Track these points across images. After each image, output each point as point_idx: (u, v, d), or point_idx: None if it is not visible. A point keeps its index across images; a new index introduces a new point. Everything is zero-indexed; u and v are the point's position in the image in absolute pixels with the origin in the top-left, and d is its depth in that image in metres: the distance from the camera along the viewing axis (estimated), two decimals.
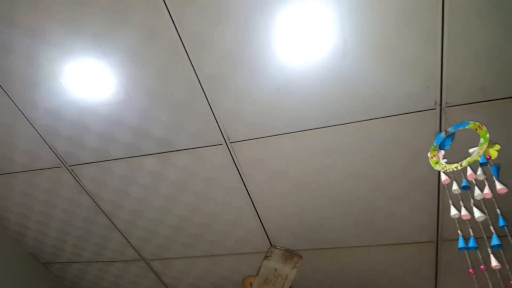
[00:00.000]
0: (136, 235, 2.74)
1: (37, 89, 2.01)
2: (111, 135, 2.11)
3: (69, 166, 2.35)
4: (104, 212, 2.59)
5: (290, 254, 1.99)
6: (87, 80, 1.90)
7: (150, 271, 3.03)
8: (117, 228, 2.70)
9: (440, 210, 2.13)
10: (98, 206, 2.55)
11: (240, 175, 2.19)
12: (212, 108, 1.91)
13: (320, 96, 1.79)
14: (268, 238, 2.52)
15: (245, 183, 2.23)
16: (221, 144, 2.05)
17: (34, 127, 2.19)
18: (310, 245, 2.51)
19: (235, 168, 2.16)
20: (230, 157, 2.10)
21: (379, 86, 1.72)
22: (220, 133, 2.00)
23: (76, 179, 2.41)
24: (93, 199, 2.51)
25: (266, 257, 2.02)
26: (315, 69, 1.71)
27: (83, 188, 2.45)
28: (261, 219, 2.42)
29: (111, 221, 2.64)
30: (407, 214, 2.18)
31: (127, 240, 2.78)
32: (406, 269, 2.52)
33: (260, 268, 2.11)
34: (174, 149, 2.12)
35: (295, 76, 1.74)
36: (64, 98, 2.01)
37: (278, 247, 1.98)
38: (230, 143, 2.04)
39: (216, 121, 1.96)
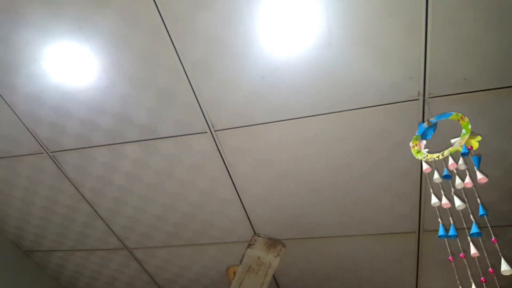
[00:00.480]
0: (119, 224, 2.71)
1: (17, 73, 1.96)
2: (94, 122, 2.08)
3: (50, 152, 2.30)
4: (86, 200, 2.55)
5: (273, 243, 2.00)
6: (68, 64, 1.86)
7: (133, 259, 3.02)
8: (99, 216, 2.67)
9: (422, 201, 2.15)
10: (81, 194, 2.52)
11: (225, 164, 2.18)
12: (197, 96, 1.89)
13: (304, 85, 1.78)
14: (252, 228, 2.53)
15: (230, 171, 2.22)
16: (206, 132, 2.03)
17: (14, 112, 2.13)
18: (294, 235, 2.52)
19: (220, 156, 2.14)
20: (215, 145, 2.09)
21: (363, 76, 1.72)
22: (205, 121, 1.98)
23: (58, 166, 2.37)
24: (75, 187, 2.48)
25: (249, 246, 2.02)
26: (300, 57, 1.70)
27: (65, 175, 2.41)
28: (246, 208, 2.42)
29: (93, 209, 2.61)
30: (389, 204, 2.20)
31: (110, 228, 2.76)
32: (388, 259, 2.56)
33: (243, 256, 2.12)
34: (157, 137, 2.09)
35: (280, 65, 1.73)
36: (45, 83, 1.97)
37: (262, 236, 1.98)
38: (215, 131, 2.02)
39: (201, 108, 1.93)
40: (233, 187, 2.31)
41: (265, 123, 1.96)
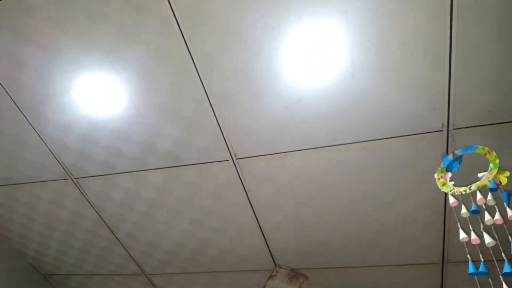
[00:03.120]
0: (138, 249, 2.72)
1: (48, 102, 2.03)
2: (119, 149, 2.12)
3: (75, 178, 2.35)
4: (107, 225, 2.58)
5: (295, 274, 1.97)
6: (97, 95, 1.92)
7: (151, 285, 3.00)
8: (119, 241, 2.69)
9: (446, 232, 2.11)
10: (102, 219, 2.54)
11: (246, 191, 2.19)
12: (220, 125, 1.92)
13: (327, 115, 1.80)
14: (272, 256, 2.50)
15: (250, 199, 2.22)
16: (228, 160, 2.06)
17: (42, 140, 2.20)
18: (313, 264, 2.49)
19: (241, 184, 2.15)
20: (236, 173, 2.10)
21: (387, 107, 1.73)
22: (227, 149, 2.01)
23: (81, 191, 2.41)
24: (97, 212, 2.51)
25: (271, 277, 2.00)
26: (323, 88, 1.72)
27: (87, 200, 2.45)
28: (265, 235, 2.41)
29: (113, 234, 2.63)
30: (412, 234, 2.17)
31: (129, 253, 2.77)
32: None
33: (264, 287, 2.09)
34: (180, 164, 2.12)
35: (303, 95, 1.76)
36: (74, 112, 2.03)
37: (284, 267, 1.96)
38: (237, 159, 2.04)
39: (224, 137, 1.96)
40: (253, 214, 2.31)
41: (287, 152, 1.97)
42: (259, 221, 2.34)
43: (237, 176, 2.12)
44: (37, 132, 2.16)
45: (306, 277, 1.98)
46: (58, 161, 2.28)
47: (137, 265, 2.85)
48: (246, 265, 2.63)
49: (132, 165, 2.18)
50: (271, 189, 2.15)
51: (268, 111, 1.84)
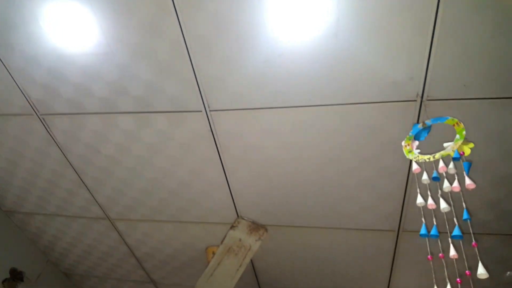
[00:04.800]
0: (104, 194, 2.70)
1: (15, 31, 1.90)
2: (88, 88, 2.04)
3: (41, 114, 2.26)
4: (73, 167, 2.53)
5: (256, 226, 2.02)
6: (68, 26, 1.81)
7: (114, 230, 3.01)
8: (84, 184, 2.65)
9: (406, 201, 2.19)
10: (67, 160, 2.49)
11: (216, 145, 2.18)
12: (196, 73, 1.86)
13: (306, 74, 1.78)
14: (236, 211, 2.54)
15: (220, 153, 2.22)
16: (201, 111, 2.02)
17: (8, 71, 2.08)
18: (276, 221, 2.54)
19: (212, 137, 2.13)
20: (208, 125, 2.08)
21: (365, 71, 1.72)
22: (201, 100, 1.97)
23: (47, 129, 2.33)
24: (62, 152, 2.44)
25: (232, 227, 2.04)
26: (304, 45, 1.69)
27: (53, 139, 2.38)
28: (232, 191, 2.43)
29: (79, 176, 2.59)
30: (373, 201, 2.24)
31: (93, 197, 2.74)
32: (364, 255, 2.61)
33: (225, 236, 2.13)
34: (151, 110, 2.07)
35: (284, 51, 1.72)
36: (42, 44, 1.92)
37: (245, 219, 2.00)
38: (210, 111, 2.01)
39: (198, 86, 1.91)
40: (222, 169, 2.31)
41: (262, 108, 1.95)
42: (227, 176, 2.35)
43: (209, 128, 2.10)
44: (2, 62, 2.04)
45: (266, 230, 2.03)
46: (24, 95, 2.18)
47: (102, 209, 2.84)
48: (211, 217, 2.67)
49: (102, 107, 2.11)
50: (242, 145, 2.15)
51: (246, 64, 1.80)
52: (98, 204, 2.80)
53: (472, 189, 1.27)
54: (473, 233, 2.21)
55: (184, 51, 1.80)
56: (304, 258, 2.82)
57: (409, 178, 2.07)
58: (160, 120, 2.10)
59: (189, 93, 1.95)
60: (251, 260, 2.95)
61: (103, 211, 2.86)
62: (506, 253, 2.34)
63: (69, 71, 1.98)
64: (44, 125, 2.31)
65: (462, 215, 1.25)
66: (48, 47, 1.92)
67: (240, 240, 2.16)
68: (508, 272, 2.47)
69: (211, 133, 2.11)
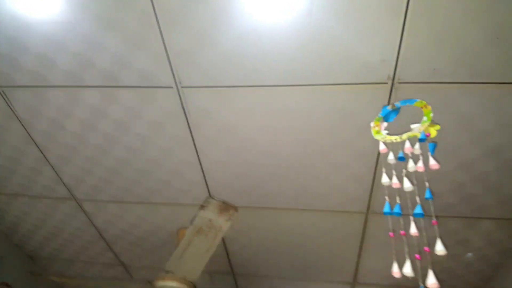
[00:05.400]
0: (69, 173, 2.61)
1: None
2: (51, 59, 1.94)
3: (0, 87, 2.14)
4: (35, 143, 2.42)
5: (226, 206, 2.00)
6: None
7: (81, 211, 2.93)
8: (49, 162, 2.55)
9: (375, 184, 2.22)
10: (30, 136, 2.38)
11: (188, 124, 2.13)
12: (166, 47, 1.80)
13: (280, 52, 1.74)
14: (209, 192, 2.51)
15: (192, 132, 2.17)
16: (171, 87, 1.96)
17: None
18: (248, 203, 2.54)
19: (184, 115, 2.08)
20: (180, 102, 2.02)
21: (339, 52, 1.70)
22: (172, 75, 1.91)
23: (7, 102, 2.21)
24: (24, 127, 2.33)
25: (202, 207, 2.01)
26: (279, 22, 1.65)
27: (14, 113, 2.26)
28: (204, 171, 2.40)
29: (43, 153, 2.48)
30: (344, 183, 2.26)
31: (58, 176, 2.64)
32: (334, 236, 2.65)
33: (194, 217, 2.11)
34: (119, 85, 1.99)
35: (259, 27, 1.68)
36: (0, 9, 1.80)
37: (215, 199, 1.97)
38: (181, 87, 1.95)
39: (169, 61, 1.85)
40: (194, 149, 2.27)
41: (235, 87, 1.91)
42: (200, 157, 2.31)
43: (181, 106, 2.04)
44: None
45: (236, 209, 2.02)
46: None
47: (67, 189, 2.74)
48: (182, 198, 2.63)
49: (66, 79, 2.01)
50: (214, 124, 2.11)
51: (220, 40, 1.75)
52: (64, 183, 2.70)
53: (436, 174, 1.29)
54: (438, 216, 2.28)
55: (154, 23, 1.73)
56: (276, 239, 2.83)
57: (379, 160, 2.09)
58: (128, 96, 2.03)
59: (159, 68, 1.89)
60: (223, 242, 2.94)
61: (69, 191, 2.77)
62: (468, 236, 2.43)
63: (30, 40, 1.87)
64: (4, 98, 2.19)
65: (424, 194, 1.27)
66: (7, 14, 1.80)
67: (210, 220, 2.14)
68: (469, 254, 2.57)
69: (182, 111, 2.06)
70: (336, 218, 2.51)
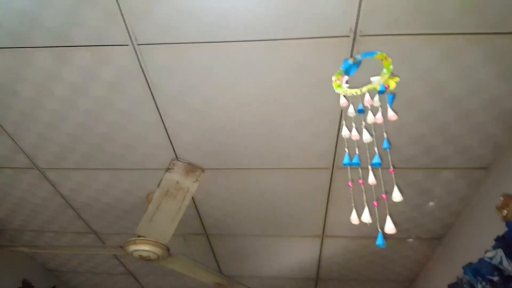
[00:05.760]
0: (28, 141, 2.50)
1: None
2: None
3: None
4: None
5: (192, 168, 1.98)
6: None
7: (45, 180, 2.85)
8: (5, 130, 2.43)
9: (339, 140, 2.25)
10: None
11: (148, 84, 2.05)
12: (119, 1, 1.69)
13: (239, 6, 1.67)
14: (176, 155, 2.48)
15: (153, 93, 2.10)
16: (127, 45, 1.87)
17: None
18: (216, 164, 2.53)
19: (142, 75, 2.00)
20: (137, 61, 1.93)
21: (299, 5, 1.65)
22: (127, 32, 1.81)
23: None
24: None
25: (168, 169, 1.98)
26: None
27: None
28: (169, 134, 2.35)
29: None
30: (309, 140, 2.28)
31: (17, 145, 2.53)
32: (302, 193, 2.71)
33: (161, 180, 2.08)
34: (71, 44, 1.88)
35: None
36: None
37: (181, 160, 1.95)
38: (138, 45, 1.86)
39: (123, 17, 1.74)
40: (157, 111, 2.20)
41: (194, 43, 1.84)
42: (163, 118, 2.25)
43: (139, 65, 1.96)
44: None
45: (203, 170, 2.01)
46: None
47: (28, 158, 2.64)
48: (149, 163, 2.59)
49: (12, 40, 1.87)
50: (176, 84, 2.04)
51: None
52: (24, 152, 2.60)
53: (397, 128, 1.31)
54: (400, 168, 2.36)
55: None
56: (246, 199, 2.87)
57: (342, 116, 2.10)
58: (82, 56, 1.92)
59: (113, 25, 1.78)
60: (194, 203, 2.95)
61: (30, 160, 2.67)
62: (429, 186, 2.54)
63: None
64: None
65: (382, 145, 1.29)
66: None
67: (177, 182, 2.12)
68: (430, 203, 2.70)
69: (141, 70, 1.98)
70: (303, 175, 2.55)
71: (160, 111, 2.20)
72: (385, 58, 1.57)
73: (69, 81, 2.06)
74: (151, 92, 2.09)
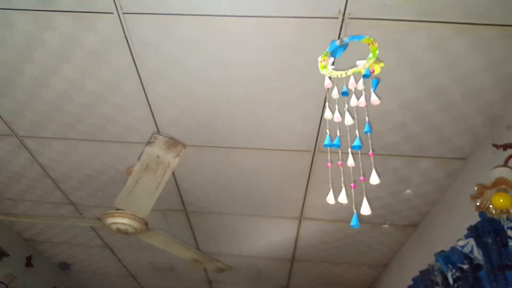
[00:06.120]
0: (7, 107, 2.44)
1: None
2: None
3: None
4: None
5: (173, 142, 1.96)
6: None
7: (24, 148, 2.79)
8: None
9: (322, 123, 2.26)
10: None
11: (132, 54, 2.01)
12: None
13: None
14: (158, 129, 2.45)
15: (137, 64, 2.06)
16: (112, 13, 1.81)
17: None
18: (199, 141, 2.52)
19: (127, 44, 1.95)
20: (122, 30, 1.88)
21: None
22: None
23: None
24: None
25: (149, 143, 1.96)
26: None
27: None
28: (152, 107, 2.32)
29: None
30: (293, 122, 2.28)
31: None
32: (283, 174, 2.72)
33: (141, 153, 2.06)
34: (54, 9, 1.81)
35: None
36: None
37: (162, 134, 1.93)
38: (123, 13, 1.81)
39: None
40: (140, 83, 2.16)
41: (182, 15, 1.80)
42: (146, 91, 2.22)
43: (123, 34, 1.91)
44: None
45: (184, 145, 1.99)
46: None
47: (6, 124, 2.58)
48: (131, 136, 2.56)
49: None
50: (161, 55, 2.00)
51: None
52: (2, 118, 2.53)
53: (377, 105, 1.32)
54: (380, 154, 2.39)
55: None
56: (227, 178, 2.87)
57: (327, 99, 2.10)
58: (65, 21, 1.86)
59: None
60: (175, 180, 2.95)
61: (8, 127, 2.60)
62: (407, 173, 2.58)
63: None
64: None
65: (363, 128, 1.30)
66: None
67: (158, 157, 2.11)
68: (408, 191, 2.75)
69: (125, 40, 1.93)
70: (285, 157, 2.56)
71: (143, 83, 2.17)
72: (372, 43, 1.56)
73: (50, 46, 1.99)
74: (134, 63, 2.05)
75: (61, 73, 2.14)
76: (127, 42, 1.93)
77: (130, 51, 1.98)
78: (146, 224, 2.60)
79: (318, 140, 2.37)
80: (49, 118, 2.48)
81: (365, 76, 1.46)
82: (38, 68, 2.13)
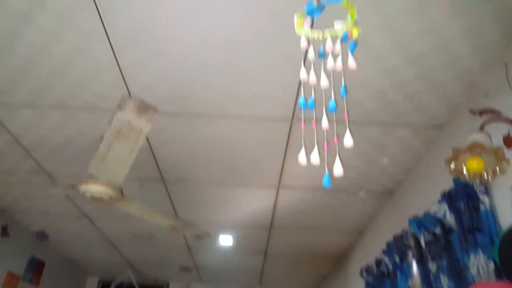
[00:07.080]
0: None
1: None
2: None
3: None
4: None
5: (144, 107, 1.89)
6: None
7: None
8: None
9: (300, 90, 2.22)
10: None
11: (100, 17, 1.89)
12: None
13: None
14: (130, 95, 2.36)
15: (106, 27, 1.94)
16: None
17: None
18: (174, 108, 2.45)
19: (95, 6, 1.83)
20: None
21: None
22: None
23: None
24: None
25: (118, 107, 1.88)
26: None
27: None
28: (123, 72, 2.22)
29: None
30: (270, 88, 2.23)
31: None
32: (261, 142, 2.70)
33: (112, 118, 1.99)
34: None
35: None
36: None
37: (132, 98, 1.85)
38: None
39: None
40: (109, 46, 2.05)
41: None
42: (116, 55, 2.11)
43: None
44: None
45: (156, 110, 1.92)
46: None
47: None
48: (102, 103, 2.47)
49: None
50: (131, 17, 1.89)
51: None
52: None
53: (354, 69, 1.28)
54: (357, 121, 2.37)
55: None
56: (204, 146, 2.83)
57: (303, 61, 2.05)
58: None
59: None
60: (151, 148, 2.89)
61: None
62: (384, 141, 2.60)
63: None
64: None
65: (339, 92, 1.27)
66: None
67: (129, 122, 2.03)
68: (384, 159, 2.78)
69: (93, 2, 1.80)
70: (262, 126, 2.53)
71: (113, 48, 2.06)
72: (351, 6, 1.51)
73: (13, 8, 1.85)
74: (103, 25, 1.93)
75: (26, 38, 2.00)
76: (95, 3, 1.81)
77: (98, 12, 1.85)
78: (122, 191, 2.55)
79: (296, 107, 2.34)
80: (16, 84, 2.35)
81: (342, 40, 1.41)
82: (0, 31, 1.99)
